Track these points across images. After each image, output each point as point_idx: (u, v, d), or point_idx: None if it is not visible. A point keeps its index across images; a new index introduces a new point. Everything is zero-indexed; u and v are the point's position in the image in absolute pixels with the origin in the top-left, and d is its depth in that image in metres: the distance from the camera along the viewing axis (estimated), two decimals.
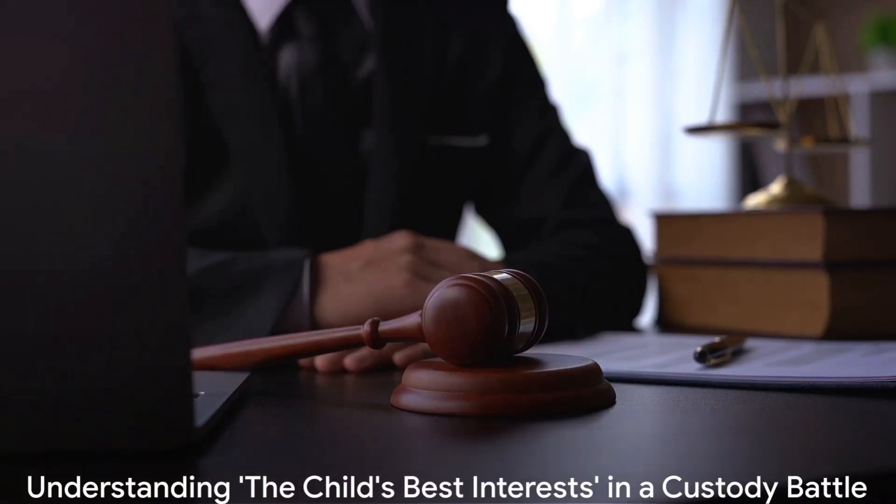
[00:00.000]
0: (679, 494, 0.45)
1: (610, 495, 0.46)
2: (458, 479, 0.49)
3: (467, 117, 1.19)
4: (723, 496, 0.46)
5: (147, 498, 0.47)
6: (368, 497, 0.47)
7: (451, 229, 1.23)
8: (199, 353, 0.77)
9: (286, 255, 0.94)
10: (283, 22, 1.11)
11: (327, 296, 0.92)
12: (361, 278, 0.92)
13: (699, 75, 3.38)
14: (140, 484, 0.49)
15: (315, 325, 0.92)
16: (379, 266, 0.93)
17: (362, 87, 1.13)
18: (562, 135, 1.22)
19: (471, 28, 1.19)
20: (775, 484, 0.47)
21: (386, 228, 1.10)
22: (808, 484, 0.48)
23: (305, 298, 0.91)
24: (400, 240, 0.95)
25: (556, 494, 0.47)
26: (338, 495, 0.47)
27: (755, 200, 1.09)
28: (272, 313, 0.89)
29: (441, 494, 0.47)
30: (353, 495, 0.47)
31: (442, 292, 0.66)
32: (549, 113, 1.23)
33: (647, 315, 1.14)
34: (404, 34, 1.15)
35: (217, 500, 0.48)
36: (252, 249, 1.00)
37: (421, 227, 1.15)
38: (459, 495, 0.47)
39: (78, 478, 0.50)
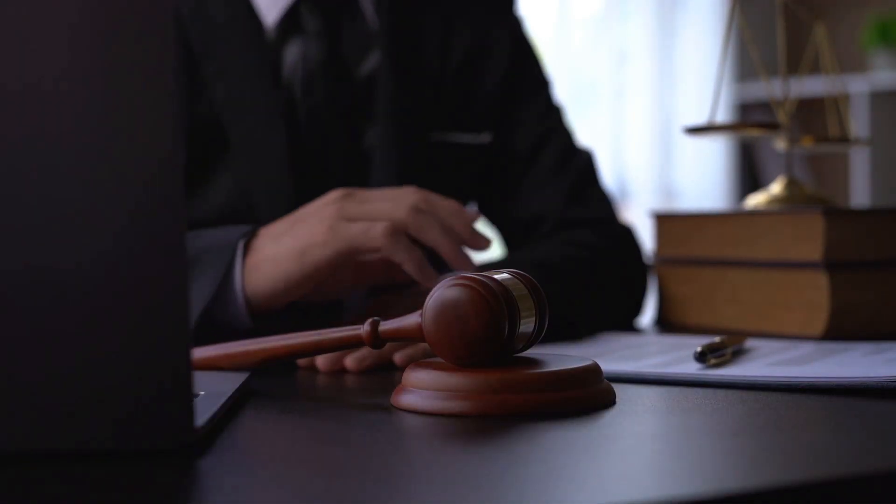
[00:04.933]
0: (679, 494, 0.45)
1: (610, 495, 0.46)
2: (458, 479, 0.49)
3: (471, 114, 1.19)
4: (723, 496, 0.46)
5: (147, 498, 0.47)
6: (368, 497, 0.47)
7: None
8: (199, 353, 0.77)
9: (224, 235, 0.91)
10: (289, 18, 1.12)
11: (253, 261, 0.89)
12: (287, 236, 0.89)
13: (699, 75, 3.39)
14: (140, 484, 0.49)
15: (247, 298, 0.89)
16: (305, 221, 0.89)
17: (366, 83, 1.13)
18: (564, 134, 1.22)
19: (476, 27, 1.20)
20: (775, 484, 0.47)
21: None
22: (808, 484, 0.48)
23: (237, 281, 0.89)
24: (331, 193, 0.91)
25: (556, 495, 0.47)
26: (338, 495, 0.47)
27: (755, 200, 1.09)
28: (201, 299, 0.87)
29: (441, 494, 0.47)
30: (352, 495, 0.47)
31: (442, 292, 0.66)
32: (553, 113, 1.23)
33: (647, 315, 1.14)
34: (409, 32, 1.15)
35: (217, 500, 0.48)
36: None
37: None
38: (459, 495, 0.47)
39: (78, 478, 0.50)
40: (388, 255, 0.86)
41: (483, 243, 0.91)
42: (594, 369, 0.67)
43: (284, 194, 1.08)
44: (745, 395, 0.70)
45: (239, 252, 0.89)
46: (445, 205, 0.90)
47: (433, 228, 0.87)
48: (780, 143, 1.13)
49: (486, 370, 0.64)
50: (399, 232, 0.86)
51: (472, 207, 1.26)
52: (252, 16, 1.11)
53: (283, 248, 0.88)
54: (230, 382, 0.70)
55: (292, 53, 1.12)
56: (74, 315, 0.52)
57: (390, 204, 0.88)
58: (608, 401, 0.67)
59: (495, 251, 1.25)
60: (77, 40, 0.52)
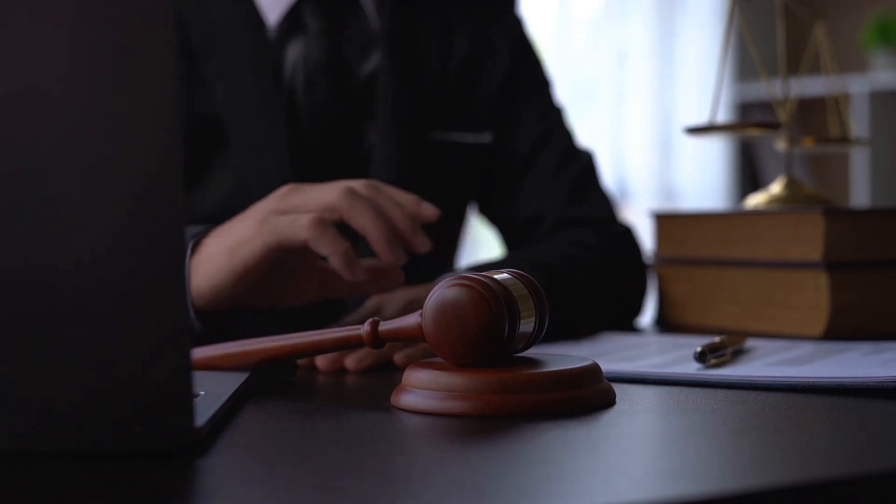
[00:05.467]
0: (679, 494, 0.45)
1: (610, 495, 0.46)
2: (458, 479, 0.49)
3: (471, 114, 1.19)
4: (723, 496, 0.46)
5: (147, 498, 0.47)
6: (368, 497, 0.47)
7: (453, 227, 1.23)
8: (199, 353, 0.77)
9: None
10: (291, 17, 1.12)
11: (196, 260, 0.87)
12: (226, 232, 0.87)
13: (699, 75, 3.39)
14: (140, 484, 0.49)
15: (191, 298, 0.86)
16: (245, 216, 0.87)
17: (367, 82, 1.14)
18: (565, 135, 1.22)
19: (477, 27, 1.20)
20: (775, 484, 0.47)
21: None
22: (808, 484, 0.48)
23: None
24: (280, 189, 0.87)
25: (556, 495, 0.47)
26: (338, 496, 0.47)
27: (755, 200, 1.09)
28: None
29: (441, 494, 0.47)
30: (352, 495, 0.47)
31: (442, 292, 0.66)
32: (553, 113, 1.23)
33: (647, 315, 1.14)
34: (410, 32, 1.16)
35: (217, 500, 0.48)
36: None
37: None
38: (460, 495, 0.47)
39: (78, 478, 0.50)
40: (314, 246, 0.82)
41: (420, 244, 0.86)
42: (594, 369, 0.67)
43: None
44: (745, 395, 0.70)
45: (188, 251, 0.87)
46: (392, 193, 0.86)
47: (365, 213, 0.83)
48: (780, 143, 1.13)
49: (486, 370, 0.64)
50: (326, 223, 0.82)
51: (473, 206, 1.26)
52: (254, 15, 1.11)
53: (217, 246, 0.86)
54: (230, 382, 0.70)
55: (294, 53, 1.12)
56: (74, 315, 0.52)
57: (325, 192, 0.84)
58: (608, 401, 0.67)
59: (497, 251, 1.25)
60: (77, 39, 0.52)
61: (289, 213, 0.84)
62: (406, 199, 0.87)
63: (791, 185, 1.08)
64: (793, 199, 1.07)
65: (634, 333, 1.04)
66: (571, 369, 0.65)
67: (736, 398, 0.69)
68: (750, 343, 0.90)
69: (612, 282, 1.09)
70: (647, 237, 1.21)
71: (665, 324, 1.11)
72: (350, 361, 0.83)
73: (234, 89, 1.10)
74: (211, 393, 0.65)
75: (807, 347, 0.88)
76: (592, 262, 1.08)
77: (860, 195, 3.25)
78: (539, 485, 0.48)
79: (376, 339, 0.70)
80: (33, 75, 0.52)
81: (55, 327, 0.52)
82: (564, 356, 0.70)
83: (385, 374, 0.81)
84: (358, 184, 0.86)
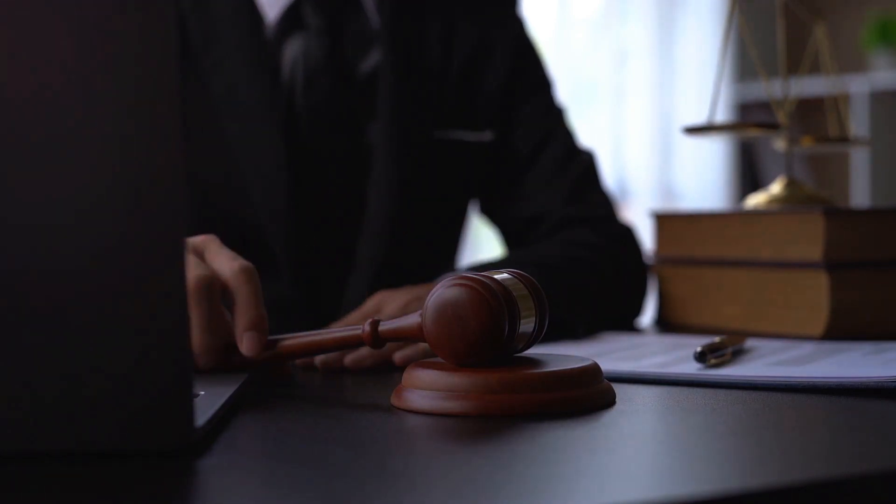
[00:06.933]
0: (679, 494, 0.45)
1: (610, 495, 0.46)
2: (458, 479, 0.49)
3: (473, 113, 1.19)
4: (723, 496, 0.46)
5: (147, 498, 0.47)
6: (368, 497, 0.47)
7: (453, 225, 1.23)
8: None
9: None
10: (291, 14, 1.12)
11: None
12: None
13: (699, 75, 3.39)
14: (140, 484, 0.49)
15: None
16: None
17: (367, 80, 1.14)
18: (566, 135, 1.22)
19: (479, 26, 1.20)
20: (775, 484, 0.47)
21: (387, 221, 1.10)
22: (808, 484, 0.48)
23: None
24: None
25: (556, 495, 0.47)
26: (338, 495, 0.47)
27: (755, 200, 1.09)
28: None
29: (441, 494, 0.47)
30: (352, 495, 0.47)
31: (442, 292, 0.65)
32: (555, 113, 1.23)
33: (647, 315, 1.14)
34: (410, 30, 1.16)
35: (217, 501, 0.48)
36: (251, 235, 0.99)
37: (422, 220, 1.15)
38: (460, 495, 0.47)
39: (78, 478, 0.50)
40: None
41: (199, 365, 0.75)
42: (594, 369, 0.67)
43: (281, 190, 1.09)
44: (745, 395, 0.70)
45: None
46: (209, 310, 0.74)
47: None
48: (780, 143, 1.13)
49: (486, 370, 0.64)
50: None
51: (474, 206, 1.26)
52: (253, 11, 1.11)
53: None
54: (230, 382, 0.70)
55: (293, 50, 1.12)
56: (75, 315, 0.52)
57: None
58: (608, 401, 0.67)
59: (498, 250, 1.25)
60: (78, 35, 0.52)
61: None
62: (245, 318, 0.74)
63: (791, 185, 1.09)
64: (793, 199, 1.07)
65: (634, 333, 1.04)
66: (571, 369, 0.65)
67: (736, 398, 0.69)
68: (750, 343, 0.90)
69: (612, 282, 1.09)
70: (647, 237, 1.21)
71: (665, 324, 1.11)
72: (350, 361, 0.83)
73: (232, 85, 1.10)
74: (211, 393, 0.65)
75: (807, 347, 0.88)
76: (593, 262, 1.08)
77: (860, 195, 3.25)
78: (539, 485, 0.48)
79: (376, 339, 0.70)
80: (34, 72, 0.52)
81: (55, 327, 0.52)
82: (564, 356, 0.70)
83: (385, 374, 0.81)
84: (193, 290, 0.74)
